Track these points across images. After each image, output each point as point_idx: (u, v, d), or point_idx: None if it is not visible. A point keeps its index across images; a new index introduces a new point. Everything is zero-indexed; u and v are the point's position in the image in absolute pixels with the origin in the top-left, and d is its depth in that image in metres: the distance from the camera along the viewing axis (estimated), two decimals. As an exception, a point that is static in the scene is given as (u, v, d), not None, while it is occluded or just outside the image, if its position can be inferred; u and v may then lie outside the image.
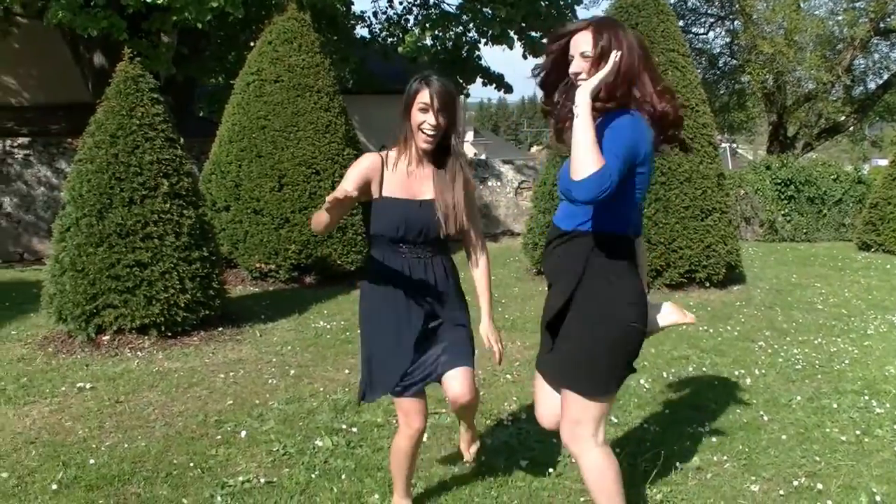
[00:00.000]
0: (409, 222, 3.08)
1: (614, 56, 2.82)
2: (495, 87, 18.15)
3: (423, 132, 3.04)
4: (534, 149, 61.35)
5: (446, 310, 3.21)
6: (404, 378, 3.12)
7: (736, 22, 24.63)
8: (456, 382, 3.13)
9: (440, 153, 3.14)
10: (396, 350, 3.13)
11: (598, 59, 2.86)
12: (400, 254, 3.13)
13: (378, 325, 3.19)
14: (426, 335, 3.16)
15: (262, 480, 3.87)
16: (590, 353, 2.92)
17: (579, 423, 2.95)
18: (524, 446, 4.31)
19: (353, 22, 18.11)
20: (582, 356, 2.93)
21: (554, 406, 3.13)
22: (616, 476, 2.99)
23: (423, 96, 3.00)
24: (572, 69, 2.92)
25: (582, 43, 2.88)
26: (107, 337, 6.40)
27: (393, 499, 3.46)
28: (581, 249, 2.94)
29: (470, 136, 53.17)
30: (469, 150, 44.23)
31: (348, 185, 2.92)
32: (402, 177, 3.12)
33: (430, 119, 3.01)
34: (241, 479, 3.87)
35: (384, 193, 3.10)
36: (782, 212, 16.09)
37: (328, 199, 2.67)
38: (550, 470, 3.96)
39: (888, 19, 22.43)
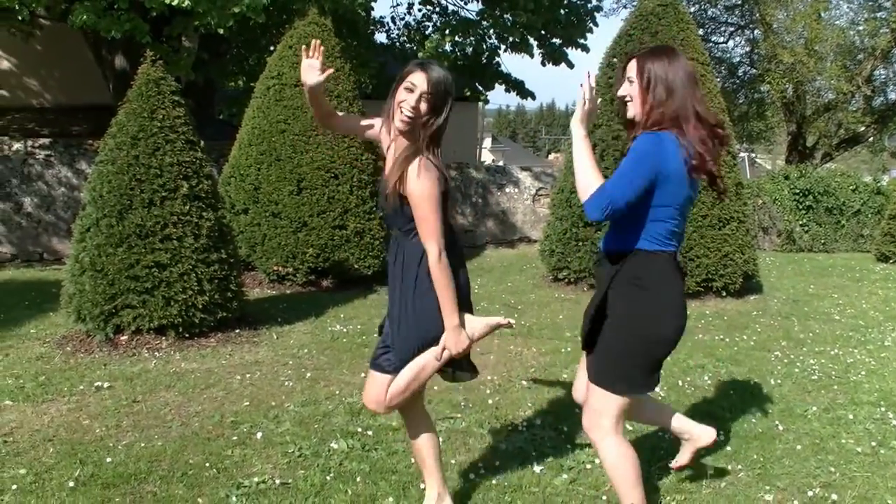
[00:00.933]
0: (379, 197, 3.20)
1: (588, 81, 3.08)
2: (516, 94, 18.14)
3: (401, 110, 3.00)
4: (552, 156, 61.39)
5: (395, 299, 3.22)
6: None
7: (756, 31, 24.54)
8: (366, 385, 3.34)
9: (429, 147, 3.08)
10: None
11: (645, 88, 3.06)
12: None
13: None
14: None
15: (278, 482, 3.89)
16: (611, 354, 3.13)
17: (599, 413, 3.14)
18: (539, 452, 4.32)
19: (372, 27, 18.18)
20: (604, 356, 3.15)
21: (585, 385, 3.36)
22: (634, 464, 3.14)
23: (414, 77, 3.00)
24: (620, 91, 3.14)
25: (631, 68, 3.06)
26: (125, 337, 6.44)
27: None
28: (609, 266, 3.17)
29: (488, 142, 53.22)
30: (487, 157, 44.26)
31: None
32: (388, 154, 3.20)
33: (410, 100, 2.98)
34: (256, 479, 3.89)
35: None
36: (800, 222, 16.03)
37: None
38: (564, 476, 3.97)
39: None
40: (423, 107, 2.99)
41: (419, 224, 3.02)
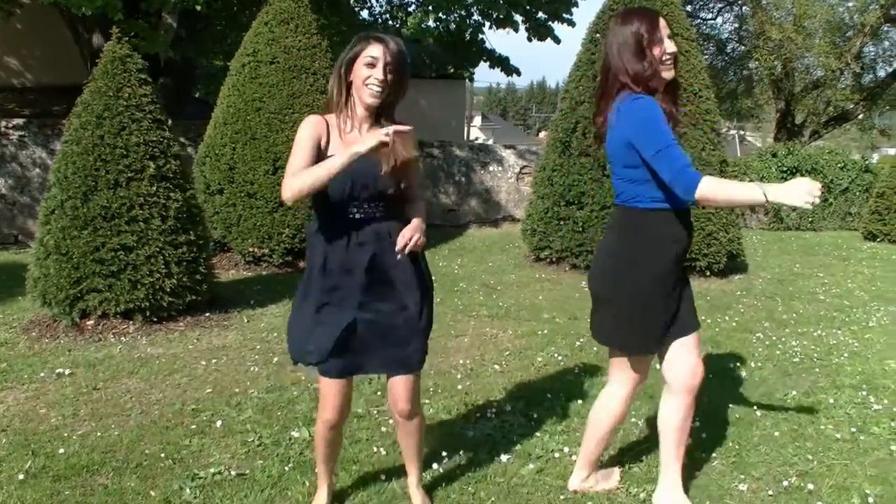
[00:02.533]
0: (356, 175, 2.88)
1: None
2: (501, 70, 17.86)
3: (368, 87, 2.91)
4: (542, 134, 61.18)
5: (395, 286, 3.03)
6: (321, 351, 3.05)
7: (744, 7, 24.31)
8: (396, 390, 3.16)
9: (384, 118, 3.01)
10: (313, 317, 3.04)
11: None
12: (349, 216, 2.98)
13: (306, 289, 3.09)
14: (364, 308, 3.01)
15: (234, 473, 3.75)
16: None
17: None
18: (507, 440, 4.18)
19: (354, 3, 17.91)
20: None
21: None
22: None
23: (371, 51, 2.90)
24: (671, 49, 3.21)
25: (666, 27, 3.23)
26: (91, 322, 6.28)
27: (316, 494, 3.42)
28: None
29: (477, 120, 52.99)
30: (476, 135, 44.04)
31: (304, 156, 2.93)
32: (344, 137, 3.00)
33: (377, 74, 2.89)
34: (212, 470, 3.75)
35: (329, 154, 2.95)
36: (788, 200, 15.87)
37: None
38: (531, 465, 3.84)
39: (899, 6, 22.11)
40: (390, 77, 2.92)
41: (417, 192, 3.10)
